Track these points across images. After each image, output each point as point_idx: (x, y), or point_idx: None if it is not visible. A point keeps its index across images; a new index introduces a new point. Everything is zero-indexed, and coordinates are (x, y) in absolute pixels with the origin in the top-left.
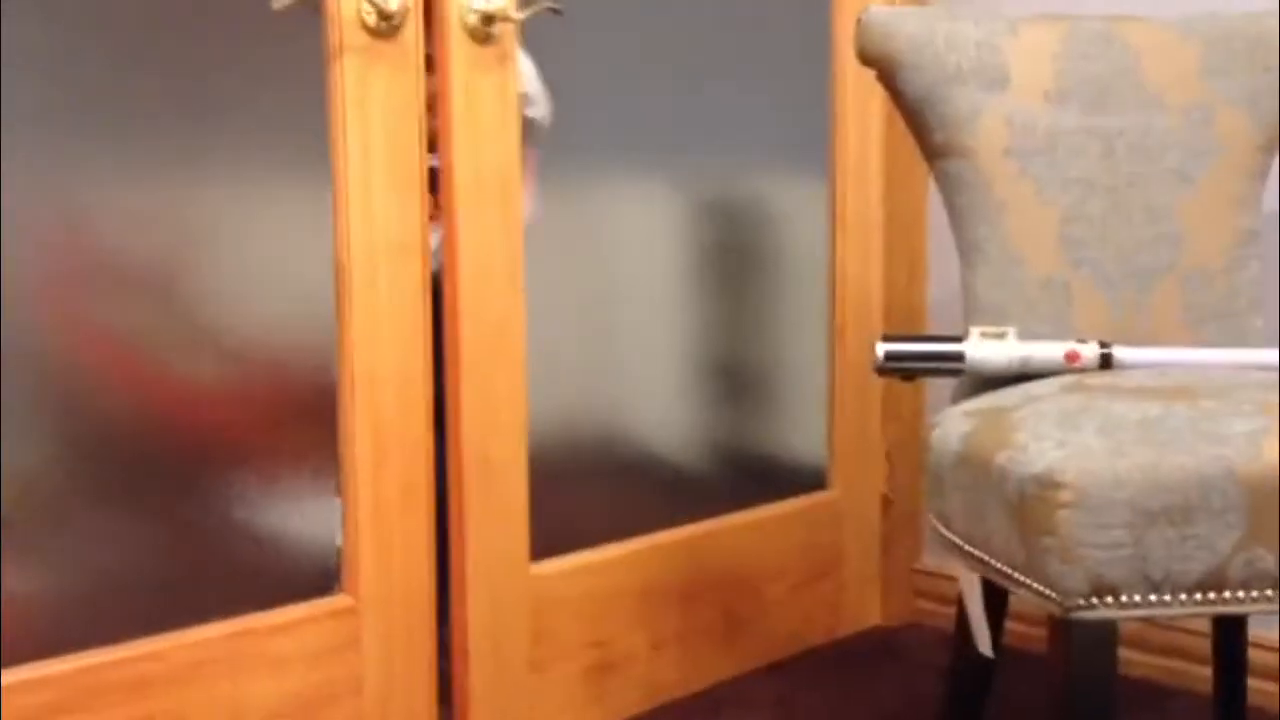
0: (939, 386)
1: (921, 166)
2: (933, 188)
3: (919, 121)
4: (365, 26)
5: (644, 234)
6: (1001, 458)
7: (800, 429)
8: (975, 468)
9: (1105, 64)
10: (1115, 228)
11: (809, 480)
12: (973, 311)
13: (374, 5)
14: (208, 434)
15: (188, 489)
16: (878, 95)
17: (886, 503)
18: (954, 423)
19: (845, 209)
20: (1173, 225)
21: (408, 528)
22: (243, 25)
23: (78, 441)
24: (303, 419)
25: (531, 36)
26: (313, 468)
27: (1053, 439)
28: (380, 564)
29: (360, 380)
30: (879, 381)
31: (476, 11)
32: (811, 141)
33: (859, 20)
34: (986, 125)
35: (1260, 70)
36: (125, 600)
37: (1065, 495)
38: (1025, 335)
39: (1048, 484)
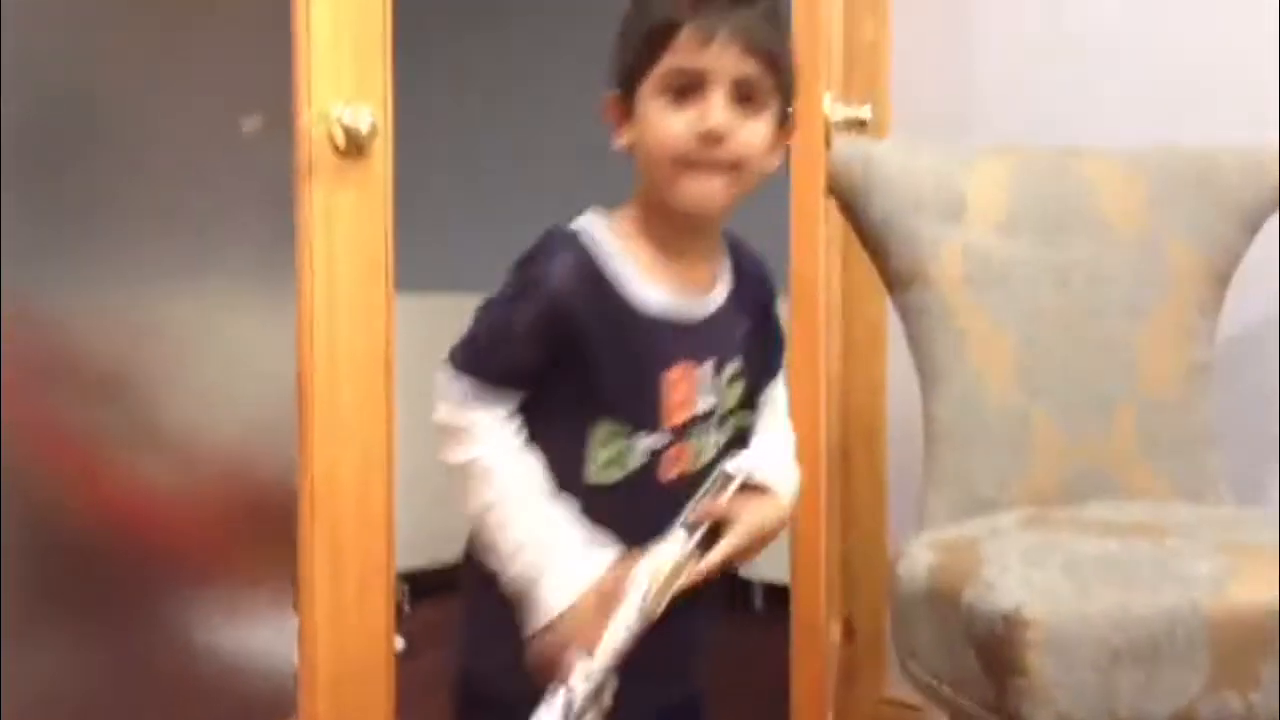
0: (900, 495)
1: (881, 286)
2: (892, 307)
3: (878, 249)
4: (335, 148)
5: None
6: (969, 595)
7: None
8: (943, 604)
9: (1058, 196)
10: (1070, 358)
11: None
12: (934, 436)
13: (344, 128)
14: (161, 547)
15: (139, 604)
16: (834, 219)
17: (849, 629)
18: (920, 554)
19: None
20: (1127, 355)
21: (363, 646)
22: (212, 140)
23: (26, 551)
24: (261, 532)
25: None
26: (270, 583)
27: (1017, 574)
28: (336, 685)
29: (320, 494)
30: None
31: None
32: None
33: (828, 153)
34: (944, 254)
35: (1208, 205)
36: None
37: (1033, 635)
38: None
39: (1016, 623)
